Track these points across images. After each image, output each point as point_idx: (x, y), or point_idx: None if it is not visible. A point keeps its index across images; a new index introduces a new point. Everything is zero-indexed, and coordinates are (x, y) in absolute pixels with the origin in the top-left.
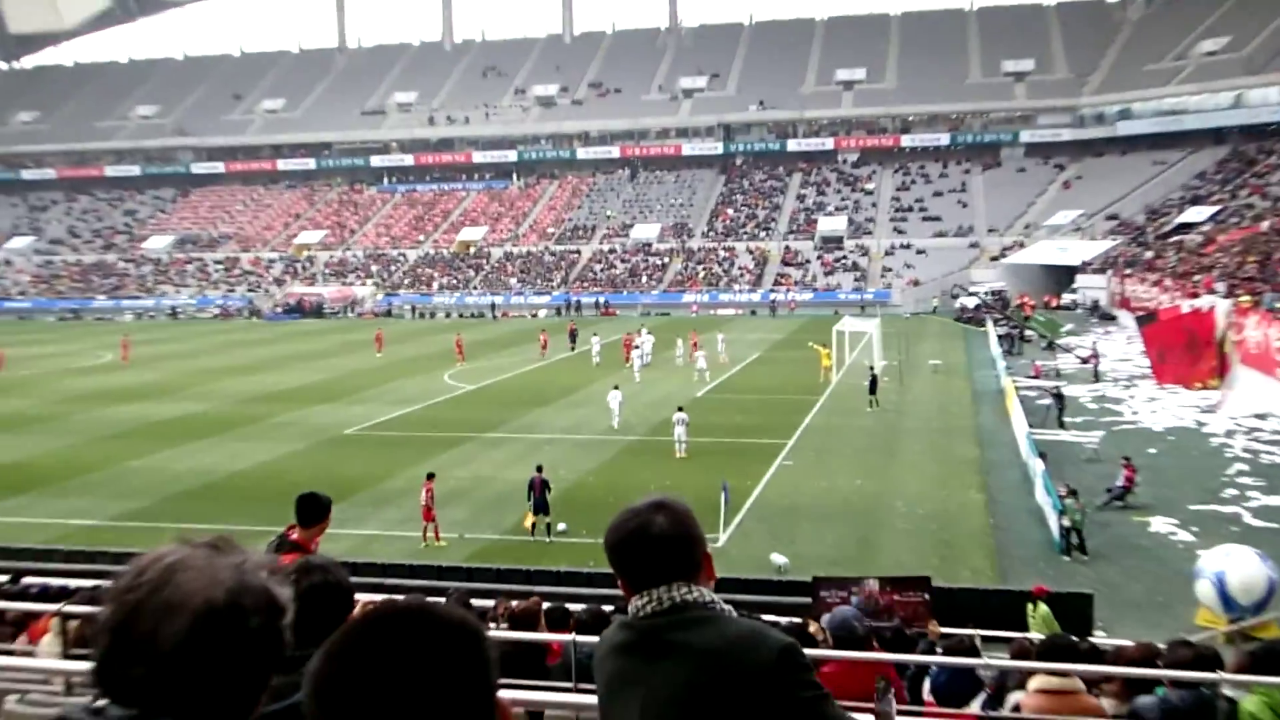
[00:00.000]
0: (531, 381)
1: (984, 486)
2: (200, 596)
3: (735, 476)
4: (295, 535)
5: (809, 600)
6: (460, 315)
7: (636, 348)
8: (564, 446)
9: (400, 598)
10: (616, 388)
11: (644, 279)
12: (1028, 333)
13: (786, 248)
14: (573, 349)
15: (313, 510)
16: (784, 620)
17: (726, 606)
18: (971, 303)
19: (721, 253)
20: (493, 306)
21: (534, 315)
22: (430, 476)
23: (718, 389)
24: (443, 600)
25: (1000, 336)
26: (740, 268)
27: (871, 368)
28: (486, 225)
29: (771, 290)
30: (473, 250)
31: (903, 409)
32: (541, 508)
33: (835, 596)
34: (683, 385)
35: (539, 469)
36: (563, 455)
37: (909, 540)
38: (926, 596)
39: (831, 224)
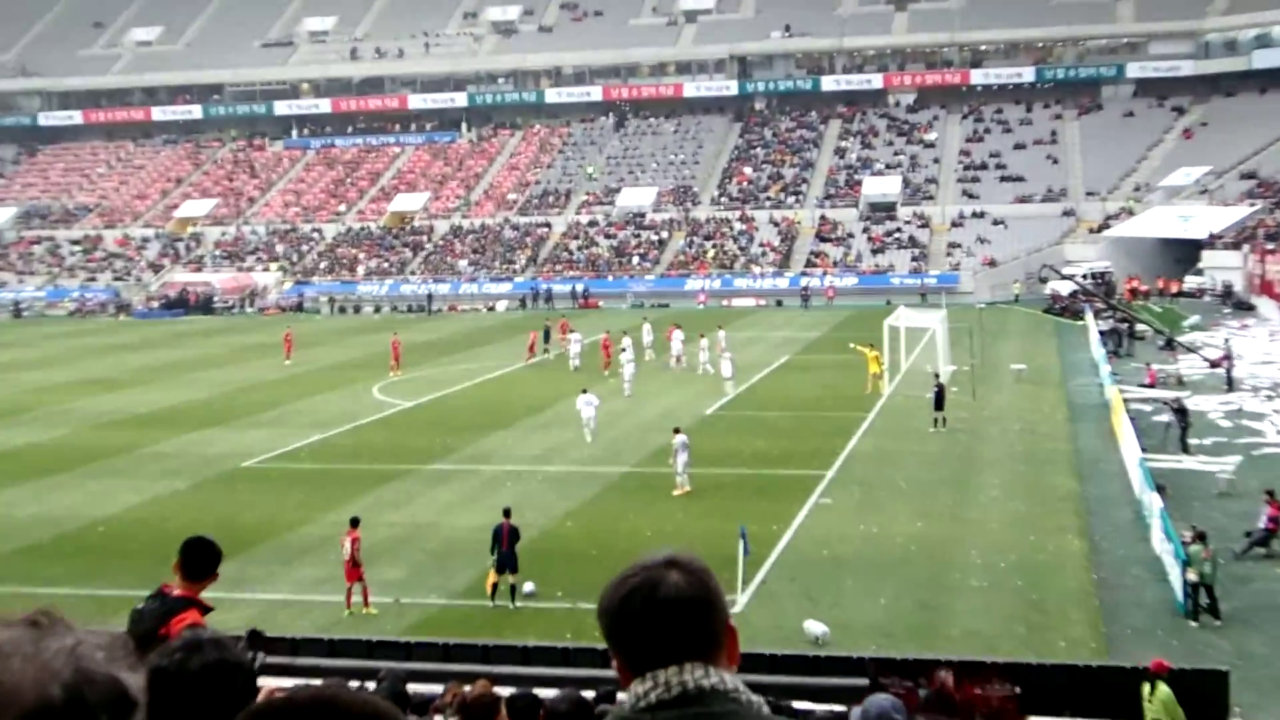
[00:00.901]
0: (488, 396)
1: (1084, 531)
2: (30, 694)
3: (757, 519)
4: (178, 591)
5: (857, 682)
6: (394, 309)
7: (623, 350)
8: (531, 482)
9: (314, 683)
10: (586, 391)
11: (635, 260)
12: (1140, 328)
13: (822, 218)
14: (546, 352)
15: (203, 559)
16: (821, 710)
17: (755, 698)
18: (1065, 289)
19: (737, 225)
20: (428, 299)
21: (490, 308)
22: (355, 523)
23: (734, 403)
24: (371, 686)
25: (1104, 333)
26: (762, 245)
27: (936, 375)
28: (428, 191)
29: (803, 274)
30: (410, 224)
31: (977, 429)
32: (508, 564)
33: (900, 687)
34: (688, 399)
35: (507, 513)
36: (530, 493)
37: (986, 602)
38: (1017, 690)
39: (881, 186)
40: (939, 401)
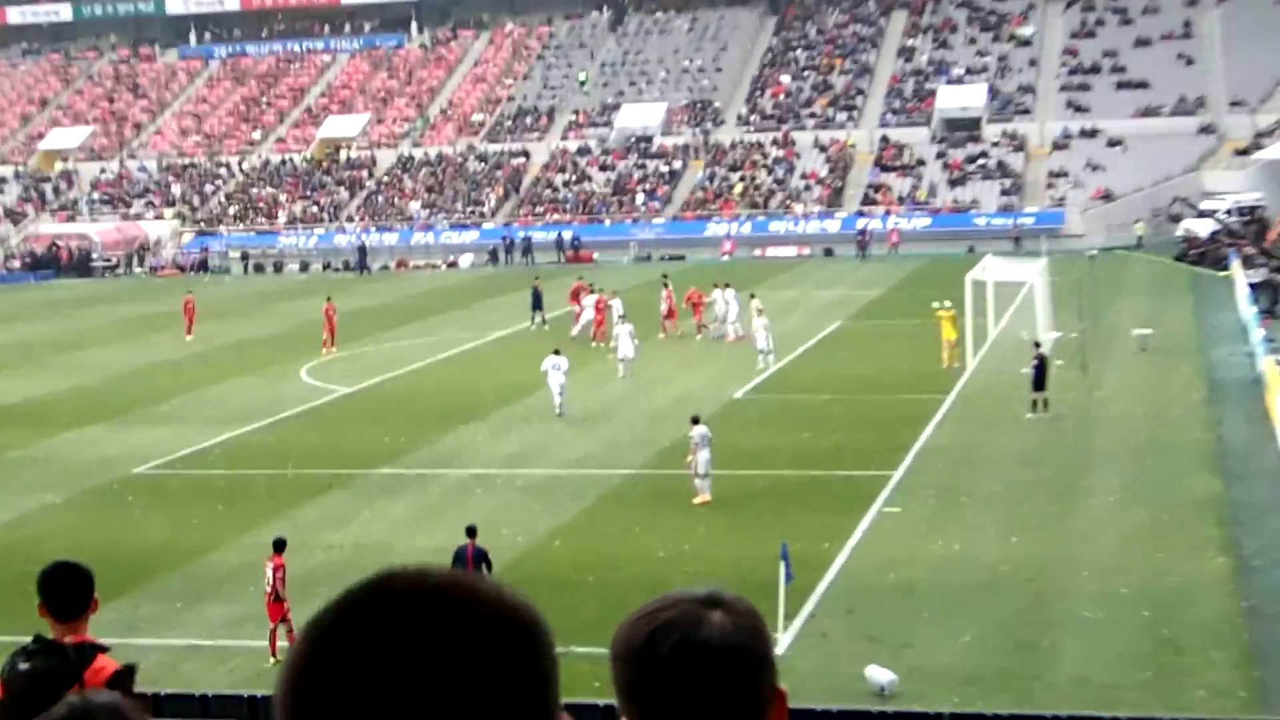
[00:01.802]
0: (451, 380)
1: (1230, 546)
2: None
3: (803, 535)
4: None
5: None
6: (327, 267)
7: (622, 317)
8: (507, 490)
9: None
10: (557, 352)
11: (640, 200)
12: None
13: (884, 140)
14: (542, 321)
15: (72, 591)
16: None
17: None
18: (1204, 229)
19: (773, 152)
20: (361, 254)
21: (451, 264)
22: (279, 547)
23: (771, 384)
24: None
25: (1255, 287)
26: (806, 177)
27: (1036, 345)
28: (368, 112)
29: (860, 214)
30: (346, 155)
31: (1088, 414)
32: None
33: None
34: (710, 378)
35: (471, 532)
36: (507, 504)
37: (1102, 640)
38: None
39: (961, 98)
40: (1039, 379)
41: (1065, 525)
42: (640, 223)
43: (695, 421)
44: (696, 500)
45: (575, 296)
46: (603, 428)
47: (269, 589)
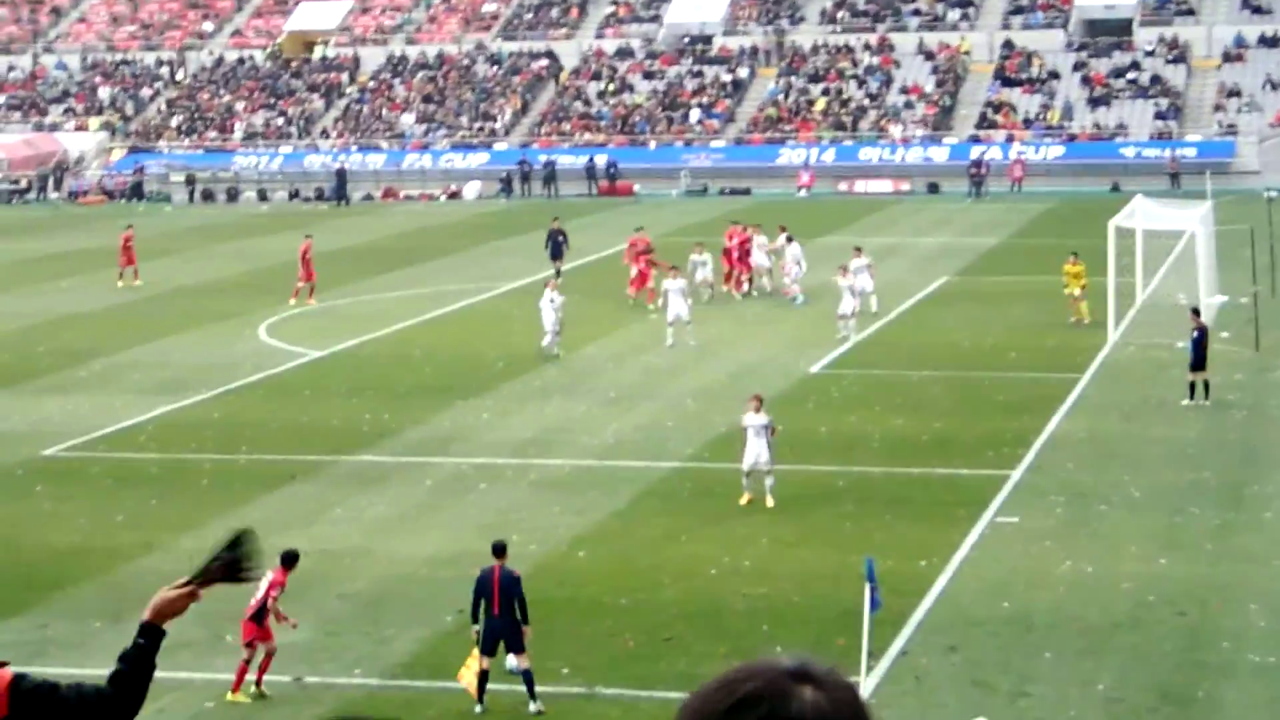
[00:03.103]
0: (448, 343)
1: None
2: None
3: (894, 551)
4: None
5: None
6: (295, 195)
7: (673, 269)
8: (519, 485)
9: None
10: (559, 275)
11: (695, 116)
12: None
13: (1008, 46)
14: (556, 273)
15: None
16: None
17: None
18: None
19: (865, 59)
20: (339, 179)
21: (453, 195)
22: (288, 562)
23: (856, 356)
24: None
25: None
26: (907, 91)
27: (1195, 312)
28: (350, 0)
29: (975, 140)
30: (321, 53)
31: (1262, 401)
32: (505, 639)
33: None
34: (779, 348)
35: (499, 551)
36: (517, 504)
37: (1274, 689)
38: None
39: None
40: (1199, 356)
41: (1230, 544)
42: (694, 146)
43: (755, 404)
44: (746, 500)
45: (641, 257)
46: (641, 408)
47: (253, 604)
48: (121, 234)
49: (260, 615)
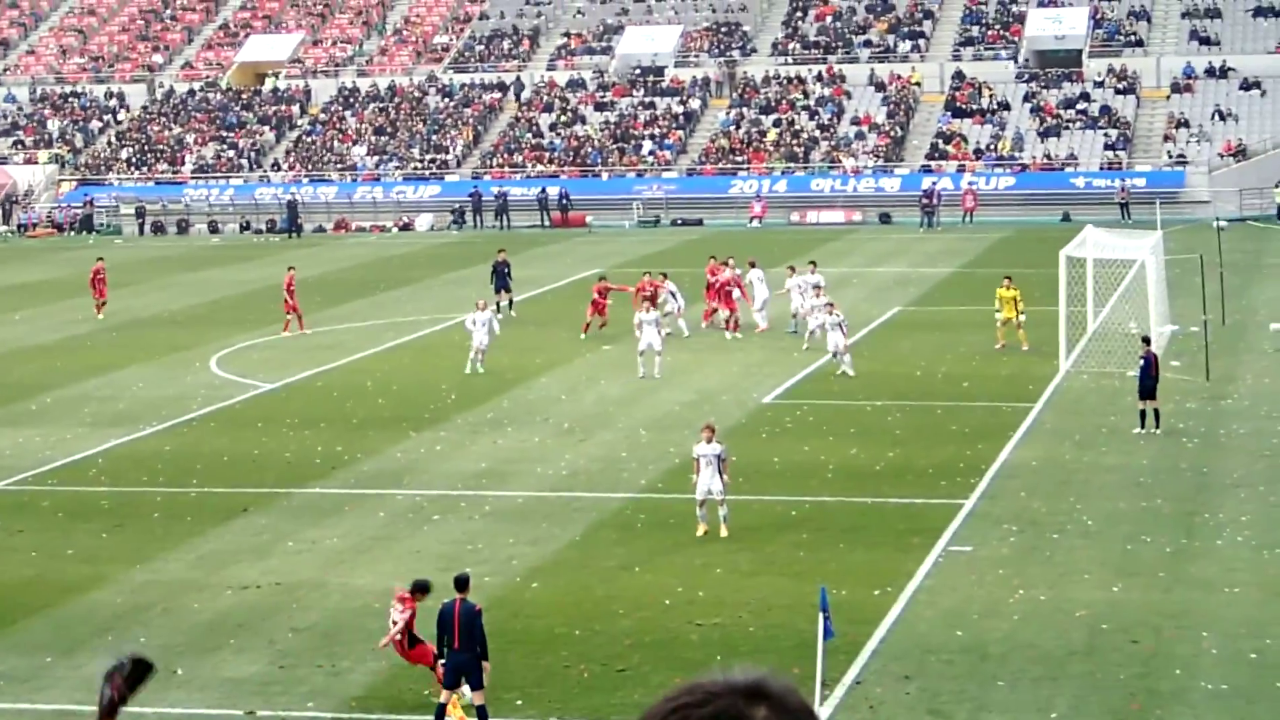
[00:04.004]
0: (402, 374)
1: None
2: None
3: (848, 579)
4: None
5: None
6: (246, 228)
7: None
8: (473, 516)
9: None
10: (484, 307)
11: (647, 147)
12: None
13: (959, 77)
14: (508, 304)
15: None
16: None
17: None
18: None
19: (816, 89)
20: (291, 211)
21: (405, 226)
22: (422, 591)
23: (807, 388)
24: None
25: None
26: (859, 122)
27: (1145, 341)
28: (300, 32)
29: (926, 170)
30: (272, 85)
31: (1213, 429)
32: (467, 673)
33: None
34: (735, 376)
35: (462, 584)
36: (471, 535)
37: (1227, 717)
38: None
39: (1056, 24)
40: (1147, 384)
41: (1182, 571)
42: (646, 177)
43: (707, 433)
44: (701, 531)
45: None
46: (595, 438)
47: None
48: (93, 268)
49: (411, 641)
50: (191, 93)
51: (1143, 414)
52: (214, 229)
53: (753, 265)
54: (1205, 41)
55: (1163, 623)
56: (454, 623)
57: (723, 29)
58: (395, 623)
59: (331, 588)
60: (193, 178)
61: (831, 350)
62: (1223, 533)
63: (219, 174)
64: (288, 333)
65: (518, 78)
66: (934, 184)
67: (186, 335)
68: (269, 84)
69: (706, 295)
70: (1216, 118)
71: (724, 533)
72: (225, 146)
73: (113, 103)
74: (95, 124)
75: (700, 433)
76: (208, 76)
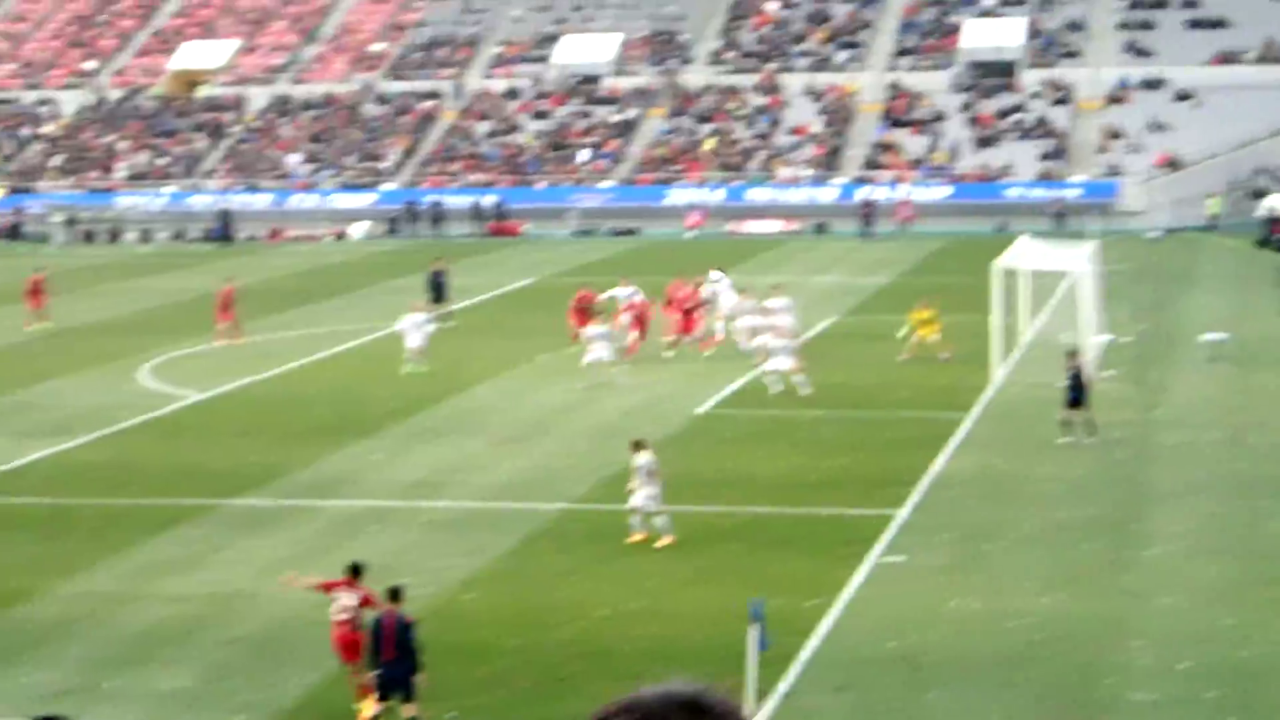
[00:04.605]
0: (338, 384)
1: None
2: None
3: (782, 589)
4: None
5: None
6: (178, 236)
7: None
8: (410, 527)
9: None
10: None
11: (584, 156)
12: None
13: (895, 88)
14: (448, 315)
15: None
16: None
17: None
18: None
19: (754, 99)
20: (224, 220)
21: (340, 236)
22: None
23: (742, 399)
24: None
25: None
26: (795, 131)
27: (1072, 353)
28: (235, 39)
29: (862, 181)
30: (204, 91)
31: (1146, 439)
32: (395, 683)
33: None
34: (673, 388)
35: (395, 595)
36: (408, 546)
37: None
38: None
39: (992, 35)
40: (1076, 393)
41: (1115, 581)
42: (583, 186)
43: (638, 446)
44: (635, 538)
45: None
46: (532, 448)
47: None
48: (31, 279)
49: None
50: (124, 100)
51: (1068, 424)
52: (146, 237)
53: (718, 274)
54: (1140, 53)
55: (1095, 632)
56: (387, 635)
57: (660, 38)
58: (346, 606)
59: (265, 599)
60: (125, 186)
61: (773, 369)
62: (1154, 542)
63: (151, 182)
64: (220, 343)
65: (455, 85)
66: (871, 195)
67: (118, 344)
68: (203, 91)
69: (667, 312)
70: (1151, 129)
71: (661, 542)
72: (158, 154)
73: (44, 110)
74: (25, 131)
75: (632, 448)
76: (141, 84)
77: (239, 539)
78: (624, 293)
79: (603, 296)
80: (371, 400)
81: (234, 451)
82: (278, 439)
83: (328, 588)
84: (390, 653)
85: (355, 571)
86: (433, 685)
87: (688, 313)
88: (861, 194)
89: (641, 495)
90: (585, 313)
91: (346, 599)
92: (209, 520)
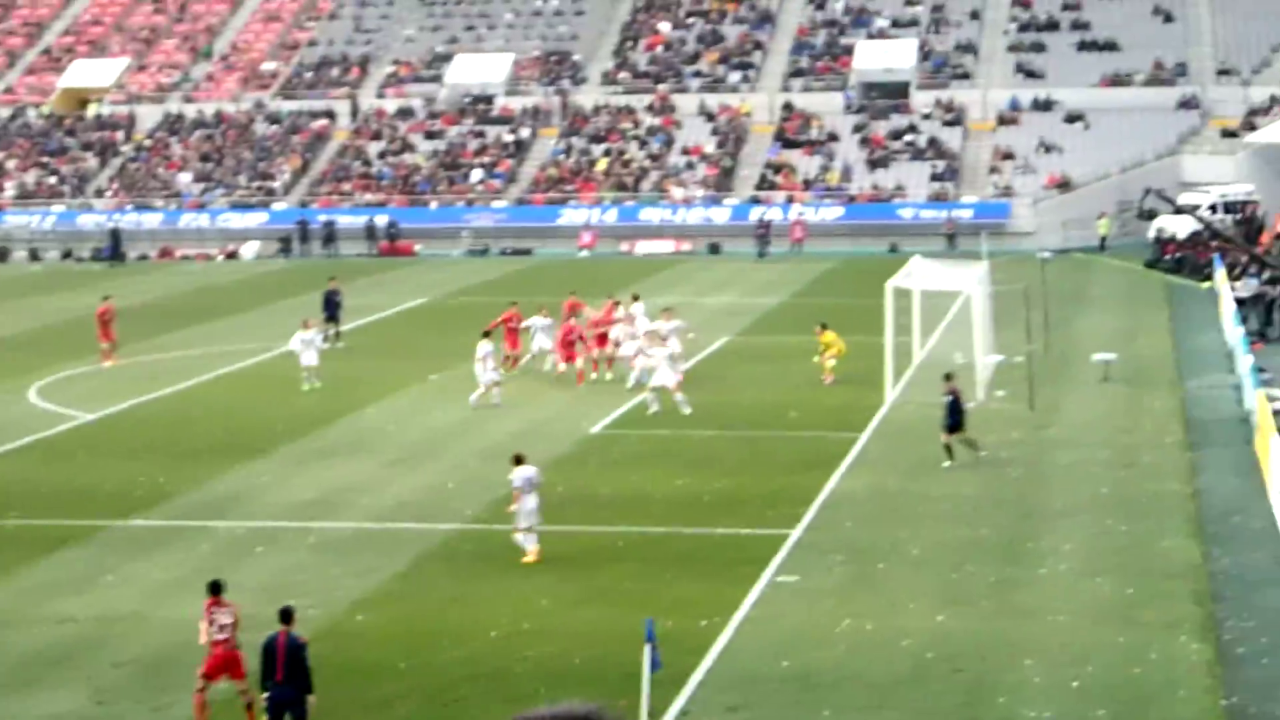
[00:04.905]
0: (228, 404)
1: (1210, 627)
2: None
3: (675, 610)
4: None
5: None
6: (68, 255)
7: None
8: (299, 548)
9: None
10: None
11: (476, 176)
12: None
13: (788, 108)
14: (336, 336)
15: None
16: None
17: None
18: (1183, 228)
19: (647, 119)
20: (114, 239)
21: (231, 255)
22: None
23: (635, 419)
24: None
25: (1244, 301)
26: (688, 152)
27: (948, 376)
28: (125, 57)
29: (755, 202)
30: (96, 111)
31: (1037, 459)
32: (286, 704)
33: None
34: (566, 408)
35: (286, 616)
36: (297, 567)
37: None
38: None
39: (884, 57)
40: (954, 417)
41: (1006, 600)
42: (476, 206)
43: (518, 461)
44: (526, 559)
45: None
46: (423, 469)
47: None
48: None
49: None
50: (13, 118)
51: (948, 448)
52: (34, 256)
53: (635, 300)
54: (1031, 75)
55: (987, 651)
56: (278, 656)
57: (553, 58)
58: (223, 625)
59: (153, 621)
60: (12, 204)
61: (654, 384)
62: (1046, 561)
63: (40, 201)
64: (108, 363)
65: (353, 103)
66: (764, 215)
67: (7, 364)
68: (93, 110)
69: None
70: (1041, 150)
71: (535, 556)
72: (47, 173)
73: None
74: None
75: (512, 462)
76: (30, 102)
77: (128, 561)
78: (541, 322)
79: (524, 324)
80: (262, 421)
81: (123, 472)
82: (167, 460)
83: (208, 617)
84: (282, 674)
85: (216, 589)
86: (324, 707)
87: (602, 336)
88: (756, 214)
89: (525, 510)
90: (516, 333)
91: (223, 617)
92: (97, 542)
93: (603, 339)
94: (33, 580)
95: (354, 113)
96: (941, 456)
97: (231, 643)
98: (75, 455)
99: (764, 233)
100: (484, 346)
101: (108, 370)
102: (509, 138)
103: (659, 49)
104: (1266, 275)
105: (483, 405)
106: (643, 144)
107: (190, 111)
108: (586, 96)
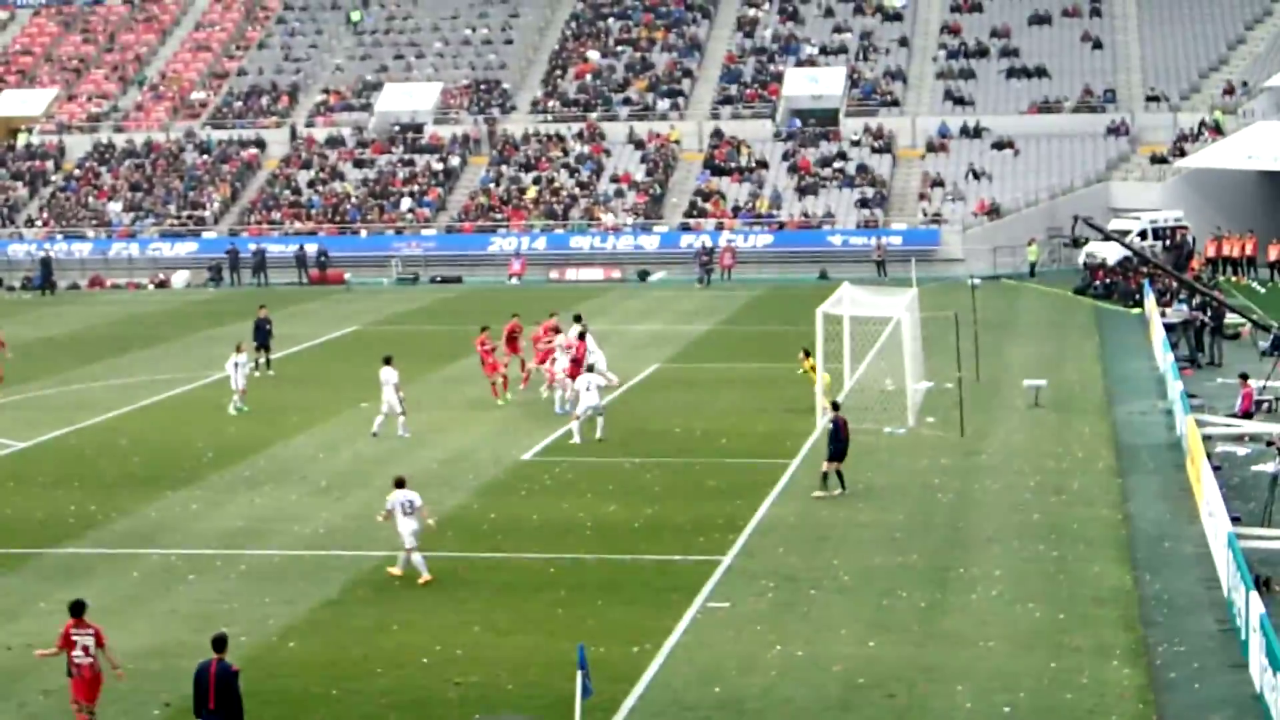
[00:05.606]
0: (157, 432)
1: (1139, 651)
2: None
3: (606, 636)
4: None
5: None
6: None
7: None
8: (228, 575)
9: None
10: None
11: (406, 204)
12: (1232, 319)
13: (717, 135)
14: (266, 364)
15: None
16: None
17: None
18: (1112, 255)
19: (576, 147)
20: (44, 268)
21: (161, 284)
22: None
23: (565, 446)
24: None
25: (1174, 328)
26: (618, 179)
27: (835, 405)
28: (54, 86)
29: (685, 228)
30: (25, 140)
31: (967, 486)
32: None
33: None
34: (493, 434)
35: (219, 644)
36: (226, 594)
37: None
38: None
39: (813, 84)
40: (837, 447)
41: (937, 626)
42: (405, 235)
43: (400, 485)
44: (422, 579)
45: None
46: (352, 497)
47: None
48: None
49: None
50: None
51: (826, 476)
52: None
53: (577, 320)
54: (959, 102)
55: (917, 676)
56: (210, 684)
57: (482, 86)
58: (87, 648)
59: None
60: None
61: (584, 409)
62: (976, 587)
63: None
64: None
65: (291, 130)
66: (694, 243)
67: None
68: (22, 139)
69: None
70: (970, 177)
71: (398, 571)
72: None
73: None
74: None
75: (394, 485)
76: None
77: (56, 589)
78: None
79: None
80: (191, 449)
81: (51, 501)
82: (97, 488)
83: (65, 640)
84: (214, 702)
85: (78, 609)
86: None
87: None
88: (698, 242)
89: (407, 532)
90: (515, 341)
91: (85, 640)
92: (26, 570)
93: (544, 357)
94: None
95: (293, 137)
96: (887, 476)
97: (97, 665)
98: (4, 484)
99: (706, 260)
100: (390, 373)
101: (36, 399)
102: (438, 166)
103: (588, 77)
104: (1196, 300)
105: (385, 434)
106: (572, 172)
107: (120, 141)
108: (516, 125)
